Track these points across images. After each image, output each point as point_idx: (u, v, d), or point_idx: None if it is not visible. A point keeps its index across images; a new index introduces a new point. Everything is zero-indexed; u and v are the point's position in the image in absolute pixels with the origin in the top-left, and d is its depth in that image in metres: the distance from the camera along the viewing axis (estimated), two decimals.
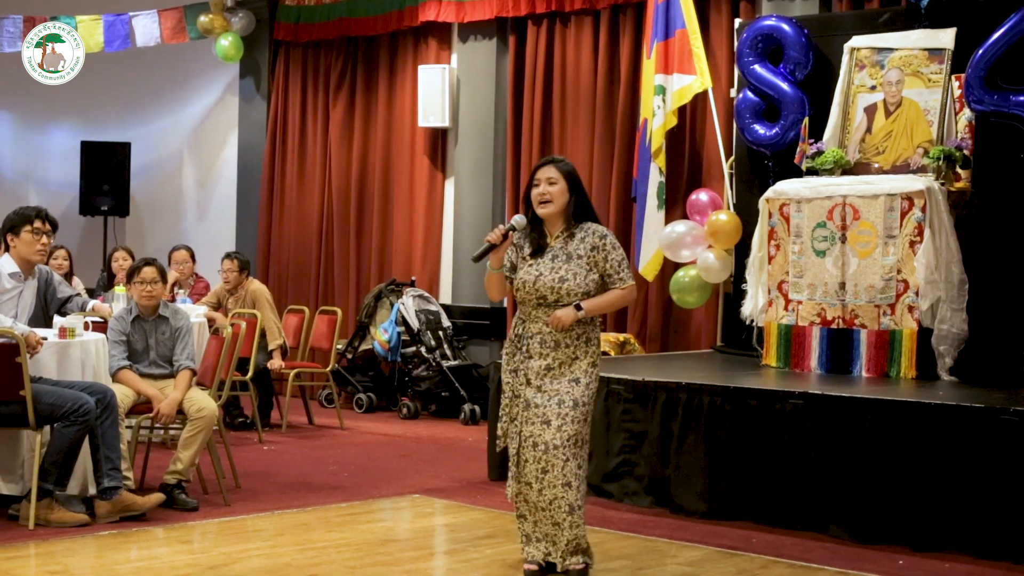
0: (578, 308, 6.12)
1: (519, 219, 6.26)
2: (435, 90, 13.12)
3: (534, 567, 6.29)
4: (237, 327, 8.70)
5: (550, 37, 12.52)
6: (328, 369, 12.09)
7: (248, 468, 9.19)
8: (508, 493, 6.35)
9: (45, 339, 7.57)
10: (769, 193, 9.41)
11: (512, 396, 6.27)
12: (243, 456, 9.58)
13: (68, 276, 11.23)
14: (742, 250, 10.15)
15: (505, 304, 12.65)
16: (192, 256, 11.86)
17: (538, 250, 6.25)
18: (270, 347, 11.37)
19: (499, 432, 6.33)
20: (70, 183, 15.16)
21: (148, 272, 8.22)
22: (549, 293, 6.16)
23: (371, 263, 13.92)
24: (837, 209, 9.00)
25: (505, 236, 6.24)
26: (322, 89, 14.49)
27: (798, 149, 9.62)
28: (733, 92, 10.74)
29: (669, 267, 11.02)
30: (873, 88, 9.54)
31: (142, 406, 8.00)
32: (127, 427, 7.84)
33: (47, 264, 10.50)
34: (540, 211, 6.24)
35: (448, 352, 12.41)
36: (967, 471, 6.97)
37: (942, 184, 8.81)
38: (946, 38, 9.25)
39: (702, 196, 10.87)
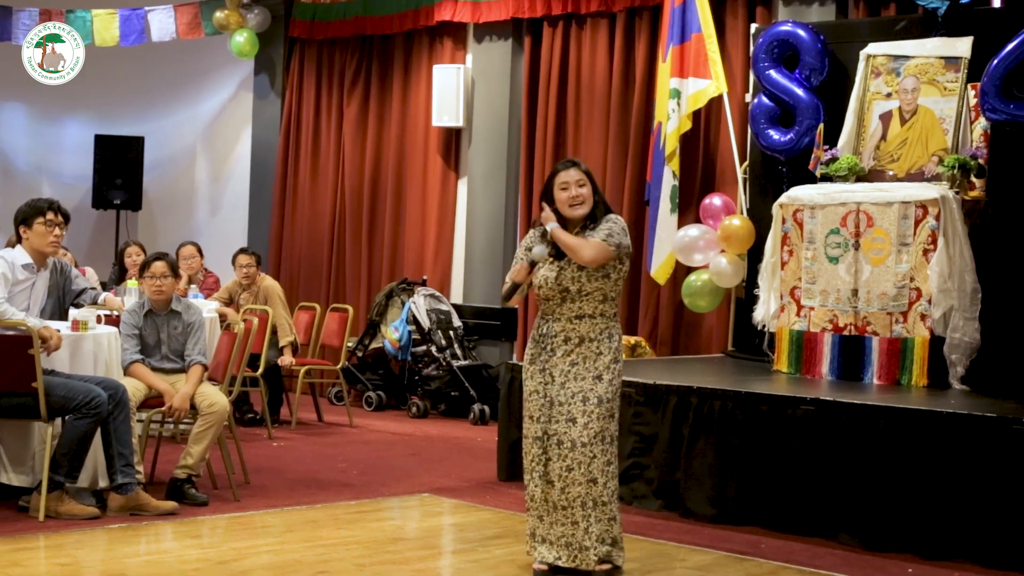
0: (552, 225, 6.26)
1: (540, 251, 6.29)
2: (450, 90, 13.12)
3: (543, 567, 6.31)
4: (249, 323, 8.71)
5: (565, 39, 12.52)
6: (338, 367, 12.10)
7: (257, 464, 9.20)
8: (530, 493, 6.36)
9: (58, 331, 7.58)
10: (783, 199, 9.41)
11: (543, 396, 6.29)
12: (253, 452, 9.60)
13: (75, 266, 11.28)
14: (755, 255, 10.13)
15: (517, 305, 12.65)
16: (199, 251, 11.87)
17: (560, 251, 6.29)
18: (281, 343, 11.39)
19: (538, 433, 6.29)
20: (83, 176, 15.18)
21: (158, 267, 8.25)
22: (571, 284, 6.24)
23: (383, 261, 13.92)
24: (851, 216, 8.99)
25: (529, 271, 6.30)
26: (336, 87, 14.49)
27: (812, 155, 9.60)
28: (748, 97, 10.73)
29: (681, 271, 11.00)
30: (888, 95, 9.53)
31: (153, 400, 8.02)
32: (138, 421, 7.85)
33: None
34: (573, 213, 6.31)
35: (458, 352, 12.41)
36: (978, 480, 6.96)
37: (956, 193, 8.80)
38: (963, 47, 9.24)
39: (715, 200, 10.87)
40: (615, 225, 6.30)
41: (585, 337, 6.25)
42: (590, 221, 6.35)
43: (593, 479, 6.18)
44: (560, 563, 6.27)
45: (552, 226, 6.26)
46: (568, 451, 6.18)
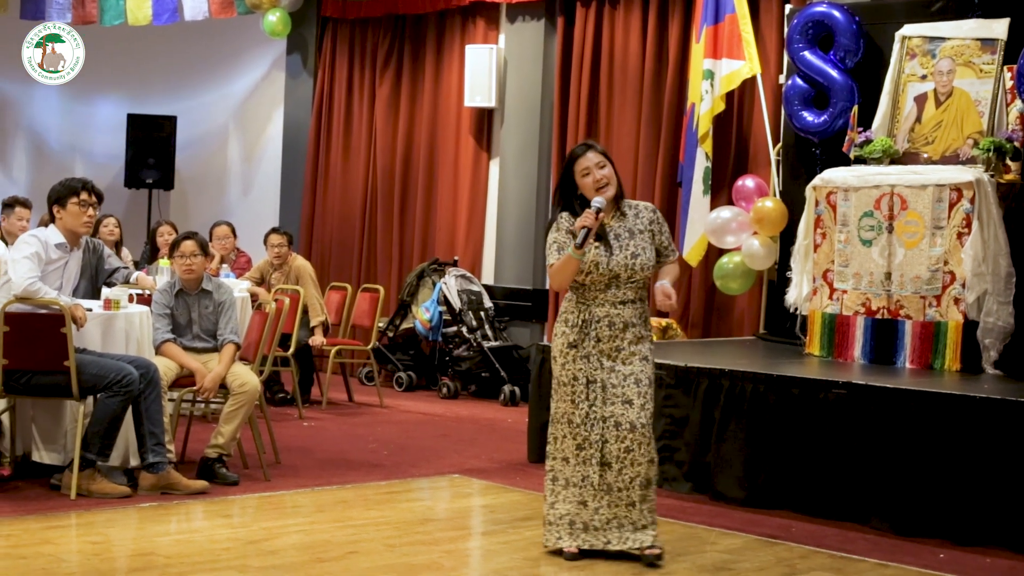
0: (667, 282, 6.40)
1: (600, 200, 6.26)
2: (482, 70, 13.10)
3: (574, 549, 6.34)
4: (280, 303, 8.71)
5: (599, 19, 12.47)
6: (369, 347, 12.10)
7: (288, 444, 9.22)
8: (562, 478, 6.38)
9: (90, 310, 7.61)
10: (816, 181, 9.36)
11: (587, 382, 6.30)
12: (283, 432, 9.61)
13: (118, 245, 11.31)
14: (787, 237, 10.09)
15: (548, 286, 12.64)
16: (233, 231, 11.89)
17: (598, 233, 6.27)
18: (312, 323, 11.41)
19: (577, 420, 6.33)
20: (116, 155, 15.22)
21: (188, 246, 8.26)
22: (623, 271, 6.26)
23: (414, 242, 13.92)
24: (885, 199, 8.94)
25: (596, 217, 6.23)
26: (369, 67, 14.48)
27: (846, 137, 9.54)
28: (782, 78, 10.67)
29: (713, 253, 10.97)
30: (924, 77, 9.46)
31: (185, 379, 8.04)
32: (169, 400, 7.87)
33: (97, 233, 10.58)
34: (602, 195, 6.29)
35: (489, 333, 12.41)
36: (1011, 465, 6.91)
37: (991, 176, 8.73)
38: (999, 28, 9.16)
39: (748, 182, 10.82)
40: (666, 226, 6.48)
41: (629, 323, 6.30)
42: (615, 204, 6.37)
43: (652, 459, 6.30)
44: (610, 547, 6.30)
45: (663, 283, 6.35)
46: (627, 432, 6.24)
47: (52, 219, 7.82)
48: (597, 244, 6.27)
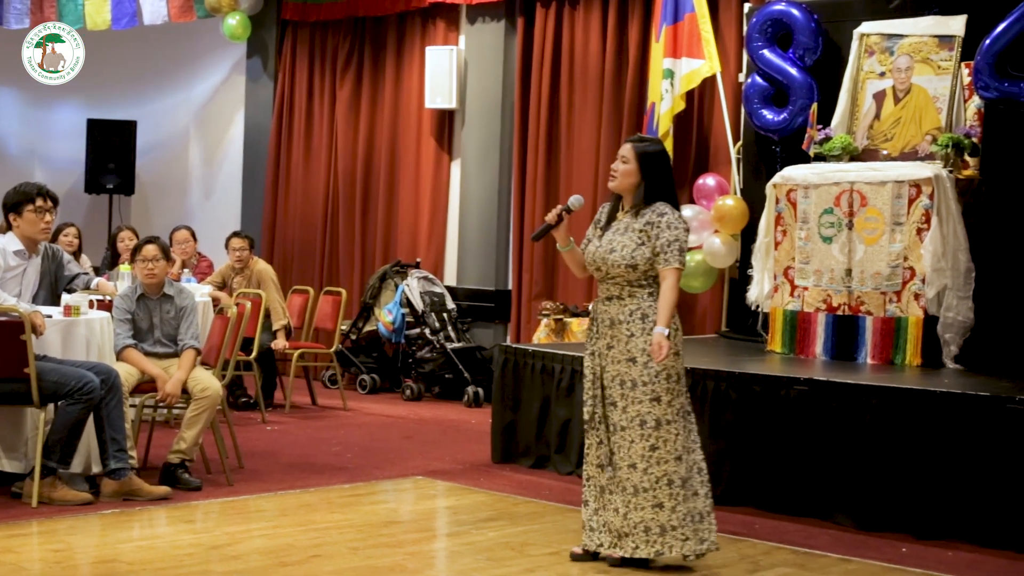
0: (655, 328, 6.09)
1: (576, 200, 6.29)
2: (443, 71, 13.09)
3: (578, 551, 6.39)
4: (242, 307, 8.69)
5: (559, 19, 12.48)
6: (332, 350, 12.07)
7: (251, 448, 9.19)
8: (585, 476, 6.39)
9: (50, 316, 7.56)
10: (776, 179, 9.40)
11: (592, 379, 6.30)
12: (246, 436, 9.57)
13: (77, 254, 11.24)
14: (748, 235, 10.13)
15: (510, 287, 12.65)
16: (193, 236, 11.83)
17: (608, 225, 6.29)
18: (274, 327, 11.38)
19: (585, 416, 6.34)
20: (76, 160, 15.12)
21: (149, 250, 8.22)
22: (601, 263, 6.21)
23: (376, 244, 13.90)
24: (844, 195, 8.98)
25: (560, 217, 6.26)
26: (329, 69, 14.45)
27: (806, 135, 9.59)
28: (741, 77, 10.71)
29: None
30: (882, 75, 9.50)
31: (146, 385, 8.00)
32: (131, 406, 7.83)
33: (56, 241, 10.52)
34: (609, 185, 6.33)
35: (452, 334, 12.40)
36: (972, 460, 6.95)
37: (950, 172, 8.79)
38: (956, 25, 9.22)
39: (709, 181, 10.85)
40: (668, 231, 6.12)
41: (615, 319, 6.19)
42: (636, 203, 6.21)
43: (632, 464, 6.14)
44: (602, 550, 6.27)
45: (660, 321, 6.08)
46: (610, 435, 6.20)
47: (9, 227, 7.77)
48: (599, 235, 6.27)
